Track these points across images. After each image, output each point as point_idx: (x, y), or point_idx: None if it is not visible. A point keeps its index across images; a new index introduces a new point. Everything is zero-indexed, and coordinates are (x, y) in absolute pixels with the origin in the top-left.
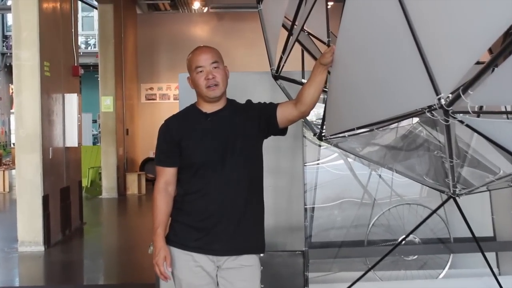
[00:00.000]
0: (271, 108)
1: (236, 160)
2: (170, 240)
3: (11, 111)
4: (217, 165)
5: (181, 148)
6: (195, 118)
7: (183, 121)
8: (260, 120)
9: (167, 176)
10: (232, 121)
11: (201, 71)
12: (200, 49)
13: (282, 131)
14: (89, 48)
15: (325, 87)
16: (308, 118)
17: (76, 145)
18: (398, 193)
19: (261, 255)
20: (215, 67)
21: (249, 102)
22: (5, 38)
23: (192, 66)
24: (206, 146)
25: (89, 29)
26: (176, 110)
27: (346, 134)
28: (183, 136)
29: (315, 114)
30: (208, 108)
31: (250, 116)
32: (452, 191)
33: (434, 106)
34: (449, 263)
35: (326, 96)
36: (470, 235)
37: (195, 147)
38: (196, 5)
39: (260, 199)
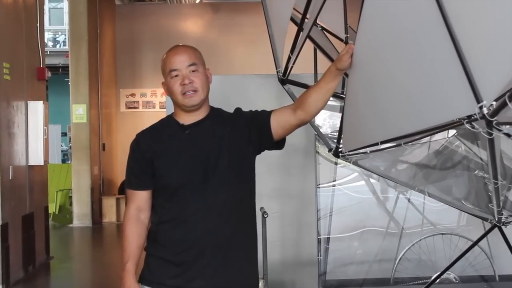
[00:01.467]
0: (263, 116)
1: (221, 180)
2: (144, 278)
3: None
4: (197, 186)
5: (154, 167)
6: (170, 131)
7: (156, 136)
8: (251, 131)
9: (139, 201)
10: (216, 133)
11: (176, 75)
12: (175, 49)
13: (278, 145)
14: (58, 46)
15: (342, 92)
16: (323, 130)
17: (42, 163)
18: (431, 221)
19: None
20: (192, 71)
21: (238, 110)
22: None
23: (166, 70)
24: (183, 164)
25: (57, 23)
26: None
27: (368, 149)
28: (156, 153)
29: (330, 125)
30: (186, 119)
31: (238, 126)
32: (497, 219)
33: (475, 116)
34: None
35: (343, 104)
36: None
37: (170, 166)
38: None
39: (251, 227)
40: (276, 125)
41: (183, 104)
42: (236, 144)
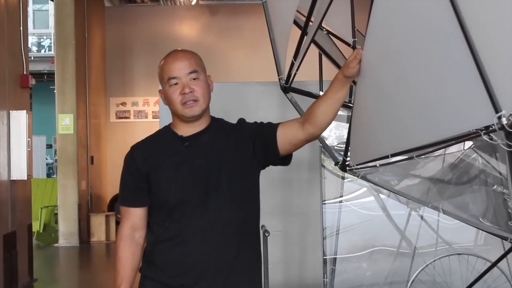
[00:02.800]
0: (269, 128)
1: (223, 197)
2: None
3: None
4: (197, 204)
5: (150, 182)
6: (168, 143)
7: (152, 148)
8: (255, 144)
9: (133, 219)
10: (217, 146)
11: (175, 84)
12: (174, 55)
13: (284, 160)
14: (43, 51)
15: (349, 101)
16: (328, 142)
17: (25, 178)
18: (446, 240)
19: None
20: (193, 78)
21: (241, 121)
22: None
23: (164, 77)
24: (182, 179)
25: (42, 26)
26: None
27: (378, 163)
28: (152, 167)
29: (337, 137)
30: (185, 131)
31: (242, 139)
32: None
33: (493, 127)
34: None
35: (350, 114)
36: None
37: (168, 182)
38: None
39: (255, 247)
40: (283, 139)
41: (182, 114)
42: (239, 158)
